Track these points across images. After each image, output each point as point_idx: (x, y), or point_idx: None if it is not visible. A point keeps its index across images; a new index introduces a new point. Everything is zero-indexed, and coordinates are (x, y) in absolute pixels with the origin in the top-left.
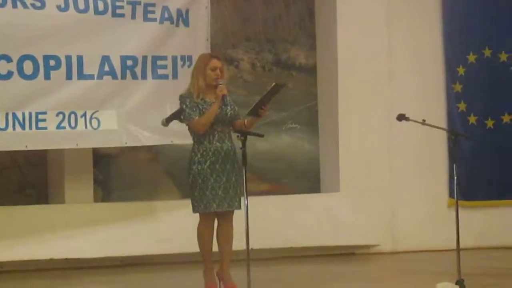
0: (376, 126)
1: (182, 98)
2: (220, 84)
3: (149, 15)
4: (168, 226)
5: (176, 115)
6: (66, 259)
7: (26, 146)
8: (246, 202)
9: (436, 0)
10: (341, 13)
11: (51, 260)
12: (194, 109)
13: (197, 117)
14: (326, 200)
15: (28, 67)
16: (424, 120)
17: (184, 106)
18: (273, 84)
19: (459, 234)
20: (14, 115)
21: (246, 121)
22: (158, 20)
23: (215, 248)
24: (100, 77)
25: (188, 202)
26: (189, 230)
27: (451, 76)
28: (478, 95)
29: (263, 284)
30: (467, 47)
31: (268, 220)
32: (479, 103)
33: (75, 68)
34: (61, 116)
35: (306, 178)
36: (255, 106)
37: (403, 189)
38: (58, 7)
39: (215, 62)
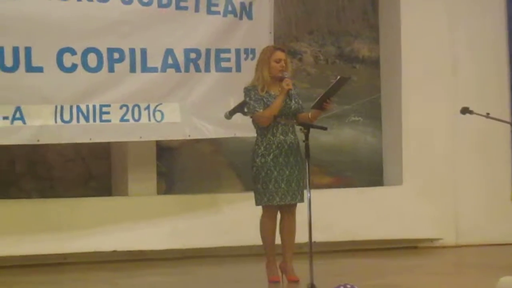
0: (440, 119)
1: (246, 91)
2: (286, 77)
3: (213, 8)
4: (231, 219)
5: (239, 108)
6: (129, 251)
7: (90, 139)
8: (309, 195)
9: None
10: (404, 5)
11: (114, 252)
12: (259, 102)
13: (261, 110)
14: (389, 193)
15: (92, 59)
16: (488, 113)
17: (248, 98)
18: (338, 77)
19: None
20: (78, 107)
21: (310, 114)
22: (221, 13)
23: (278, 241)
24: (163, 70)
25: (251, 195)
26: (251, 222)
27: None
28: None
29: (326, 277)
30: None
31: (331, 213)
32: None
33: (138, 61)
34: (124, 108)
35: (368, 171)
36: (320, 100)
37: (467, 182)
38: (122, 0)
39: (279, 54)
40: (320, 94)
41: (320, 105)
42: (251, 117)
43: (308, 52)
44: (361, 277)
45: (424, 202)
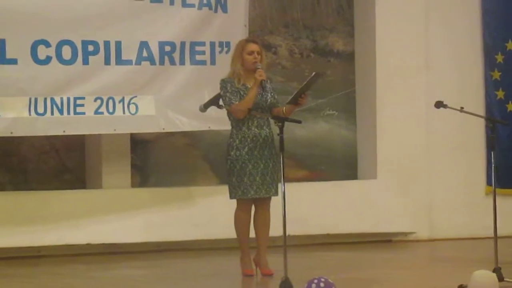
0: (414, 113)
1: (223, 83)
2: (259, 68)
3: (188, 1)
4: (205, 212)
5: (214, 101)
6: (103, 244)
7: (64, 131)
8: (283, 188)
9: None
10: (379, 0)
11: (88, 245)
12: (235, 94)
13: (237, 102)
14: (363, 187)
15: (66, 52)
16: (462, 108)
17: (224, 91)
18: (313, 73)
19: (497, 222)
20: (52, 100)
21: (284, 108)
22: (196, 6)
23: (252, 234)
24: (138, 62)
25: (225, 188)
26: (226, 216)
27: (490, 64)
28: None
29: (300, 270)
30: (506, 34)
31: (305, 206)
32: None
33: (113, 54)
34: (99, 101)
35: (343, 164)
36: (295, 95)
37: (441, 176)
38: None
39: (252, 46)
40: (295, 89)
41: (295, 100)
42: (227, 109)
43: (283, 46)
44: (335, 270)
45: (398, 196)
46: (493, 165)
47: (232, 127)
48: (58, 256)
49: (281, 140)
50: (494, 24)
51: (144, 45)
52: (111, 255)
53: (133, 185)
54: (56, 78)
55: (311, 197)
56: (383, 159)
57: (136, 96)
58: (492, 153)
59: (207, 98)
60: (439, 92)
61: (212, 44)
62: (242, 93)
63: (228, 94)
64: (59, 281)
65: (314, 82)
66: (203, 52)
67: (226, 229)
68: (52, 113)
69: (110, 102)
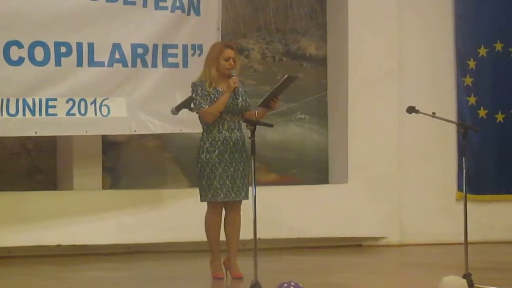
0: (386, 118)
1: (194, 86)
2: (233, 75)
3: (161, 3)
4: (176, 215)
5: (186, 104)
6: (74, 245)
7: (36, 132)
8: (254, 192)
9: None
10: (352, 4)
11: (59, 246)
12: (205, 98)
13: (207, 106)
14: (334, 191)
15: (39, 53)
16: (434, 113)
17: (195, 94)
18: (286, 76)
19: (467, 228)
20: (24, 101)
21: (256, 112)
22: (169, 8)
23: (222, 237)
24: (110, 64)
25: (196, 191)
26: (197, 218)
27: (462, 69)
28: (489, 89)
29: (270, 274)
30: (478, 41)
31: (276, 210)
32: (489, 96)
33: (85, 55)
34: (71, 102)
35: (314, 169)
36: (266, 98)
37: (412, 181)
38: None
39: (229, 52)
40: (267, 93)
41: (267, 104)
42: (197, 113)
43: (256, 49)
44: (305, 274)
45: (369, 201)
46: (464, 171)
47: (203, 130)
48: (28, 256)
49: (253, 144)
50: (467, 29)
51: (116, 47)
52: (81, 257)
53: (104, 187)
54: (28, 79)
55: (282, 200)
56: (354, 164)
57: (108, 98)
58: (464, 158)
59: (179, 100)
60: (411, 97)
61: (185, 47)
62: (212, 96)
63: (198, 98)
64: (30, 282)
65: (286, 85)
66: (176, 55)
67: (196, 232)
68: (24, 114)
69: (82, 103)
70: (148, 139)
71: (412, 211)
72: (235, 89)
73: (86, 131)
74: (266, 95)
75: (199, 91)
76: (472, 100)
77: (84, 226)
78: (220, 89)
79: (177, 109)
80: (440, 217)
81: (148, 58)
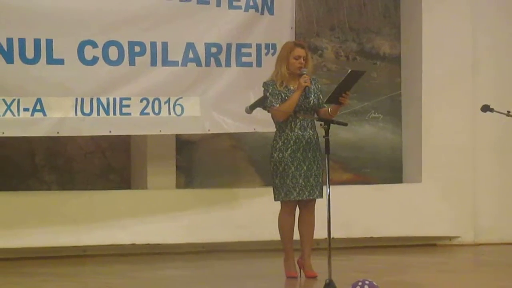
0: (460, 117)
1: (265, 85)
2: (304, 73)
3: (234, 3)
4: (249, 214)
5: (260, 103)
6: (148, 244)
7: (110, 131)
8: (328, 191)
9: None
10: (426, 3)
11: (133, 245)
12: (276, 97)
13: (278, 105)
14: (408, 190)
15: (113, 53)
16: (509, 112)
17: (267, 93)
18: (349, 70)
19: None
20: (98, 100)
21: (329, 109)
22: (243, 7)
23: (296, 236)
24: (184, 64)
25: (269, 190)
26: (270, 217)
27: None
28: None
29: (344, 273)
30: None
31: (350, 209)
32: None
33: (159, 55)
34: (145, 102)
35: (388, 168)
36: (332, 94)
37: (486, 181)
38: None
39: (298, 51)
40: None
41: (336, 100)
42: (269, 111)
43: (329, 48)
44: (379, 273)
45: (443, 200)
46: None
47: (276, 129)
48: (103, 255)
49: (327, 143)
50: None
51: (190, 46)
52: (154, 256)
53: (178, 186)
54: (102, 79)
55: (355, 200)
56: (428, 163)
57: (181, 97)
58: None
59: (253, 99)
60: (485, 95)
61: (259, 46)
62: (283, 95)
63: (270, 97)
64: (104, 281)
65: (353, 80)
66: (249, 54)
67: (270, 231)
68: (98, 114)
69: (156, 103)
70: (221, 138)
71: (486, 210)
72: (305, 88)
73: (160, 131)
74: (331, 91)
75: (270, 90)
76: None
77: (158, 225)
78: (292, 88)
79: (251, 108)
80: None
81: (222, 57)
